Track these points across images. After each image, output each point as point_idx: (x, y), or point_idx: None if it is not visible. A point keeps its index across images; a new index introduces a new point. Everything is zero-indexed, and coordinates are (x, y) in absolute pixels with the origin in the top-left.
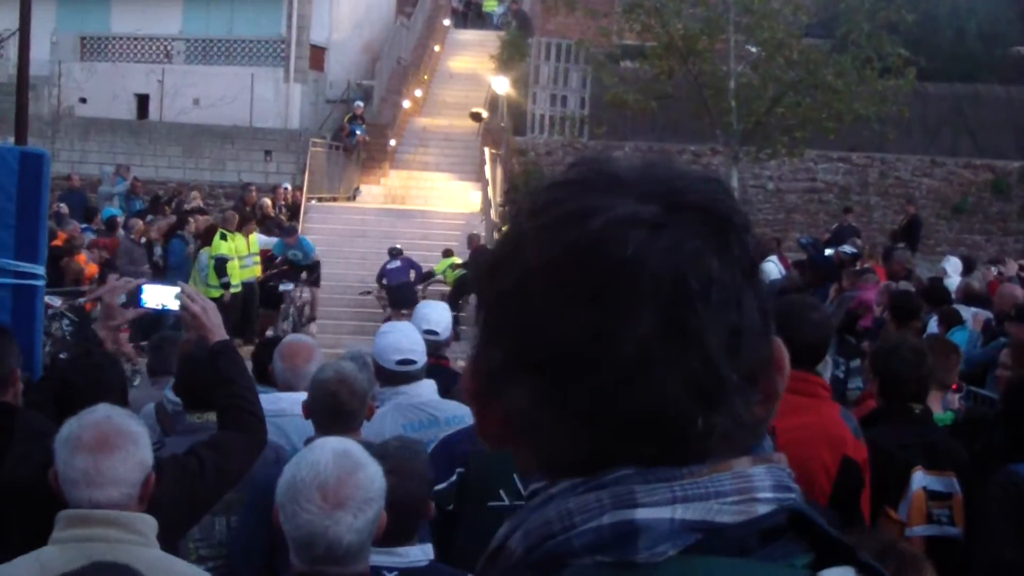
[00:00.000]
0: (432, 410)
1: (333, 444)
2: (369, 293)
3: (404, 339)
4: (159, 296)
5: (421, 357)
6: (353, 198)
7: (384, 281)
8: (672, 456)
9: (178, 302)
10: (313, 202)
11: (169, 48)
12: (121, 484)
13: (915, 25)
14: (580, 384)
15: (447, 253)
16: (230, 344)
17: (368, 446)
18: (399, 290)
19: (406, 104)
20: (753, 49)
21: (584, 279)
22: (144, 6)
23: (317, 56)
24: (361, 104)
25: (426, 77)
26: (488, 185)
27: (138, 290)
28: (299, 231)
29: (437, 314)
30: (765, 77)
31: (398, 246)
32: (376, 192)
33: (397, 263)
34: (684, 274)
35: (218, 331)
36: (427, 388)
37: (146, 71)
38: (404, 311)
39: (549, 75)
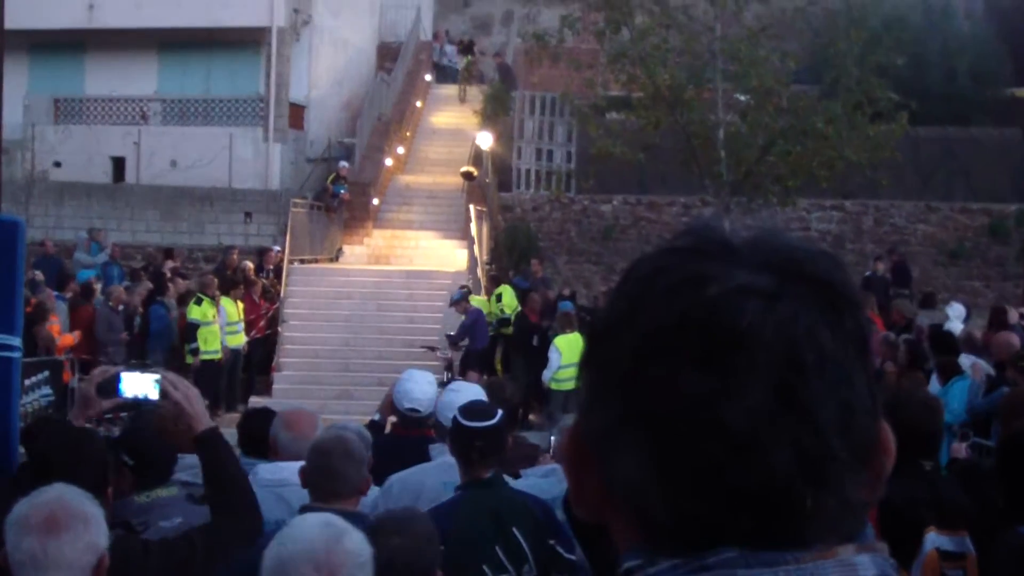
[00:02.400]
0: None
1: (314, 516)
2: (434, 349)
3: (466, 399)
4: (138, 385)
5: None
6: (336, 259)
7: (466, 343)
8: (777, 537)
9: (158, 390)
10: (295, 264)
11: (145, 109)
12: (69, 568)
13: (905, 68)
14: (689, 452)
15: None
16: (216, 432)
17: (364, 517)
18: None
19: (388, 162)
20: (741, 97)
21: (698, 347)
22: (119, 66)
23: (296, 114)
24: (346, 165)
25: (408, 133)
26: (474, 243)
27: (116, 378)
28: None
29: (420, 390)
30: (754, 125)
31: (468, 292)
32: (359, 252)
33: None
34: (798, 347)
35: (203, 419)
36: None
37: (122, 133)
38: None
39: (534, 129)
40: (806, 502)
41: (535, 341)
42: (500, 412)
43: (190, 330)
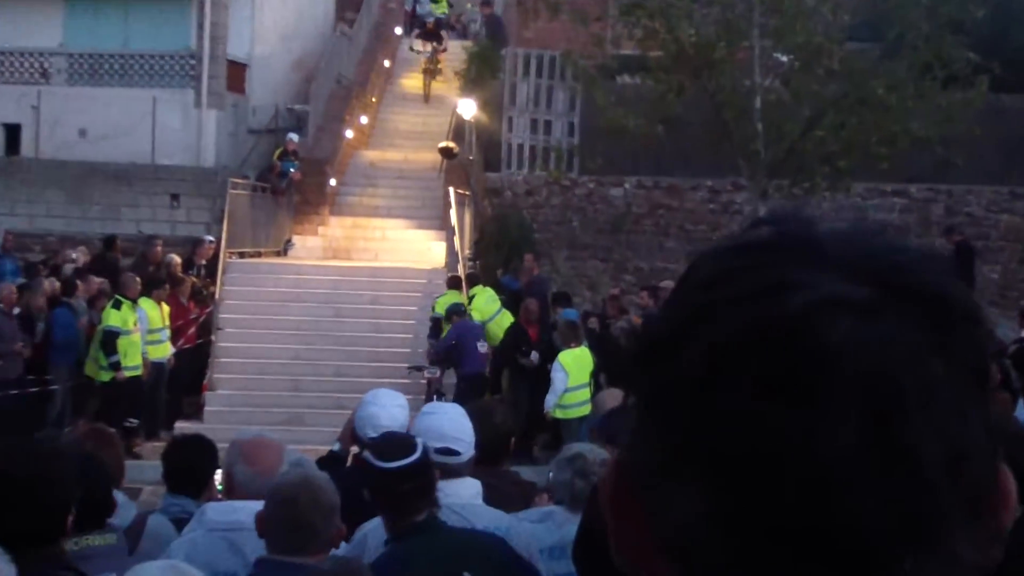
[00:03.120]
0: (467, 515)
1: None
2: (421, 369)
3: (448, 423)
4: None
5: (467, 448)
6: (284, 252)
7: (464, 369)
8: None
9: None
10: (234, 258)
11: (46, 65)
12: None
13: (986, 22)
14: (760, 495)
15: (455, 283)
16: None
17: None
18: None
19: (349, 134)
20: (783, 58)
21: (776, 370)
22: (15, 14)
23: (236, 75)
24: (296, 138)
25: (374, 99)
26: (454, 234)
27: None
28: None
29: (388, 415)
30: (799, 93)
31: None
32: (313, 245)
33: (486, 346)
34: (899, 375)
35: None
36: (468, 488)
37: (17, 95)
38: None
39: (528, 95)
40: (903, 563)
41: (533, 358)
42: (420, 444)
43: (108, 340)
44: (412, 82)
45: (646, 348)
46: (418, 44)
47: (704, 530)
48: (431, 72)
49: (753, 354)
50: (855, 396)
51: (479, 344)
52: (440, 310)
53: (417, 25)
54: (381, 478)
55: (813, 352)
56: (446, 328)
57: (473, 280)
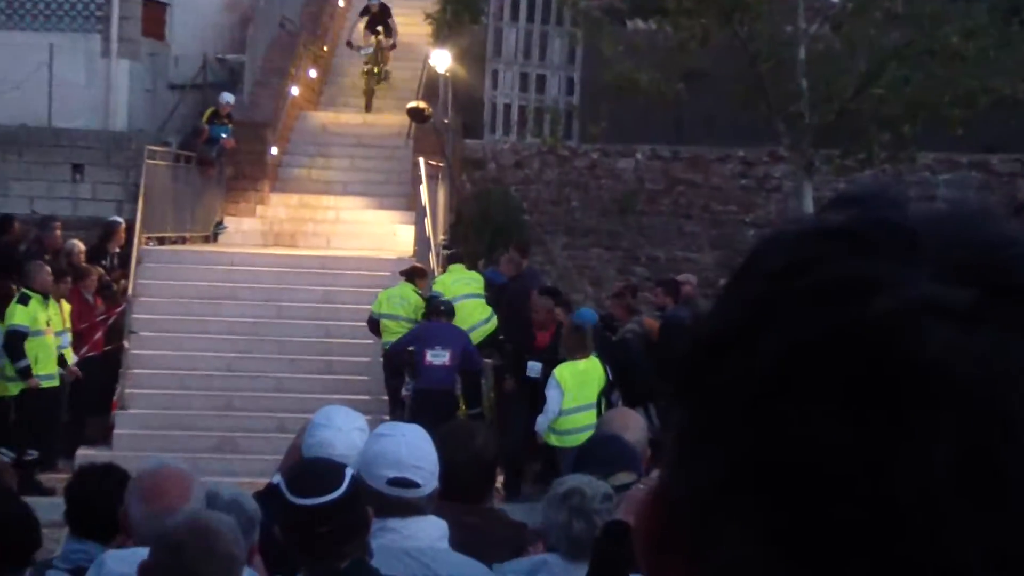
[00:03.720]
0: (430, 562)
1: None
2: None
3: (405, 448)
4: None
5: (428, 479)
6: (214, 238)
7: (410, 386)
8: None
9: None
10: (151, 245)
11: None
12: None
13: None
14: (834, 528)
15: (413, 274)
16: None
17: None
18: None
19: (295, 91)
20: None
21: (855, 383)
22: None
23: (154, 17)
24: (230, 98)
25: (325, 48)
26: (425, 215)
27: None
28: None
29: (345, 440)
30: (852, 41)
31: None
32: (250, 229)
33: (444, 356)
34: (1008, 394)
35: None
36: (432, 529)
37: None
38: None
39: (518, 44)
40: None
41: (536, 372)
42: (348, 476)
43: (13, 342)
44: None
45: (698, 349)
46: (358, 36)
47: (764, 570)
48: (374, 76)
49: (826, 362)
50: (953, 417)
51: (430, 353)
52: (378, 309)
53: (364, 11)
54: (293, 515)
55: (904, 365)
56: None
57: (460, 259)
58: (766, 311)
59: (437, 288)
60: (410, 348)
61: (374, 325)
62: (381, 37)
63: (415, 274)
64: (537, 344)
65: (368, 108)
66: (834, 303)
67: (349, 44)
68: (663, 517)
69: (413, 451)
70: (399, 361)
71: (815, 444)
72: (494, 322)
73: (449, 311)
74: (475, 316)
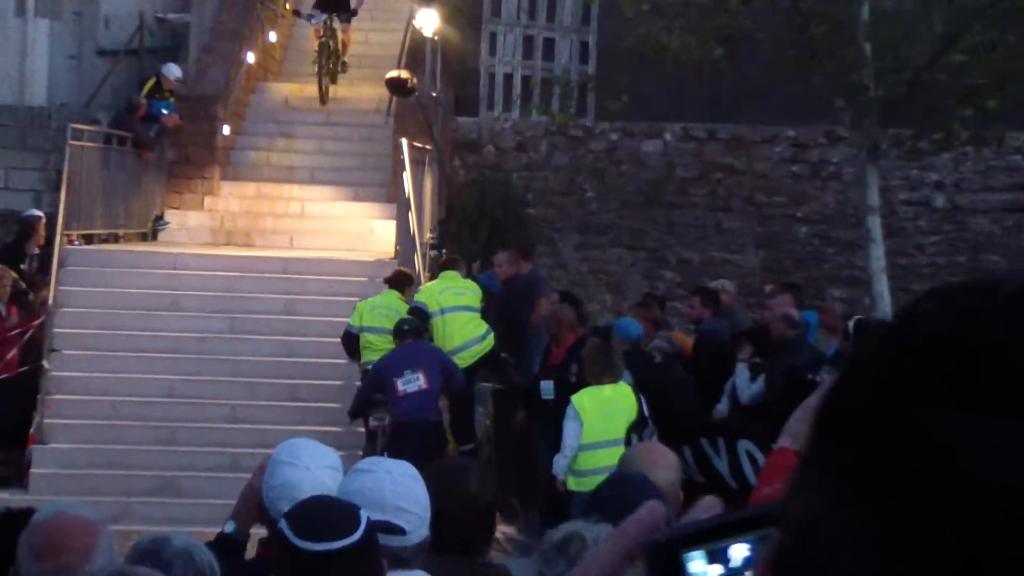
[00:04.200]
0: None
1: None
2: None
3: (390, 486)
4: None
5: (417, 525)
6: (153, 236)
7: (381, 416)
8: None
9: None
10: (76, 244)
11: None
12: None
13: None
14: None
15: (399, 281)
16: None
17: None
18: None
19: (250, 58)
20: None
21: None
22: None
23: None
24: (175, 70)
25: (288, 6)
26: (409, 209)
27: None
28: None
29: (313, 480)
30: None
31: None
32: (197, 225)
33: (418, 379)
34: None
35: None
36: None
37: None
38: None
39: (520, 2)
40: None
41: (549, 393)
42: (364, 518)
43: None
44: None
45: (870, 368)
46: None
47: None
48: (330, 66)
49: None
50: None
51: (401, 381)
52: (358, 322)
53: None
54: (300, 563)
55: None
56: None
57: (455, 265)
58: (984, 323)
59: (421, 298)
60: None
61: (352, 341)
62: (334, 13)
63: (401, 280)
64: (552, 361)
65: (323, 99)
66: None
67: (296, 12)
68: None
69: (399, 491)
70: (365, 406)
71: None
72: (491, 341)
73: (415, 330)
74: (466, 333)
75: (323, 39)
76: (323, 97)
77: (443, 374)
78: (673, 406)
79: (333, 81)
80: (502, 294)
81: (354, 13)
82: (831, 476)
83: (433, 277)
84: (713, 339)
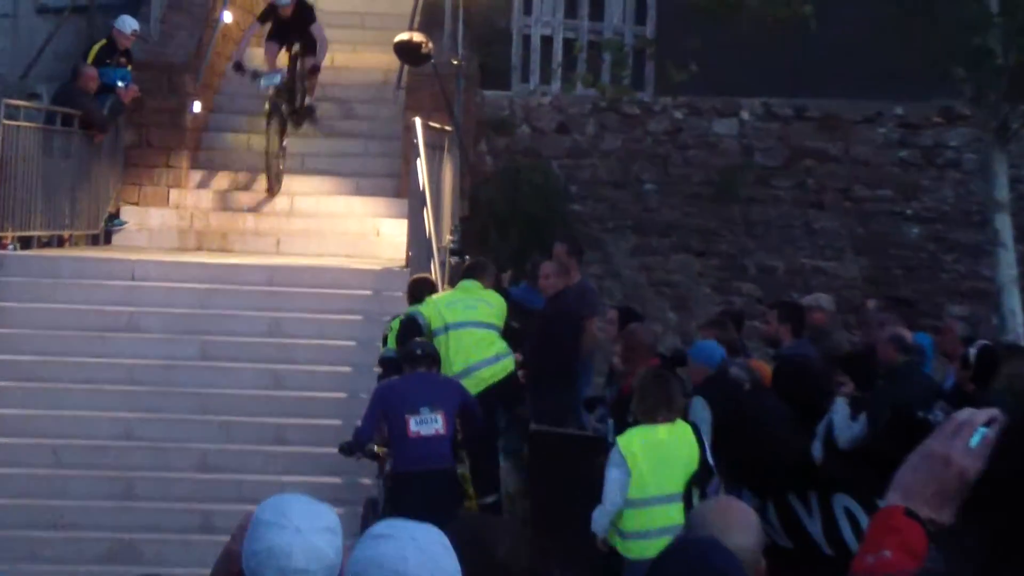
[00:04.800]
0: None
1: None
2: (376, 456)
3: (413, 557)
4: None
5: None
6: (106, 239)
7: (394, 463)
8: None
9: None
10: (11, 248)
11: None
12: None
13: None
14: None
15: (426, 291)
16: None
17: None
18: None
19: (227, 17)
20: None
21: None
22: None
23: None
24: (133, 26)
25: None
26: (424, 205)
27: None
28: None
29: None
30: None
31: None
32: (160, 224)
33: (436, 421)
34: None
35: None
36: None
37: None
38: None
39: None
40: None
41: (595, 422)
42: None
43: None
44: None
45: None
46: (252, 57)
47: None
48: (283, 120)
49: None
50: None
51: (415, 420)
52: (394, 344)
53: (267, 14)
54: None
55: None
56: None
57: (476, 272)
58: None
59: (424, 311)
60: (379, 410)
61: (393, 370)
62: (296, 53)
63: (426, 289)
64: (625, 392)
65: (271, 189)
66: None
67: (238, 67)
68: None
69: (426, 563)
70: (356, 448)
71: None
72: (507, 365)
73: (431, 356)
74: (477, 353)
75: (277, 101)
76: (272, 185)
77: (463, 415)
78: (767, 448)
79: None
80: (545, 312)
81: (316, 70)
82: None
83: (469, 272)
84: (799, 368)
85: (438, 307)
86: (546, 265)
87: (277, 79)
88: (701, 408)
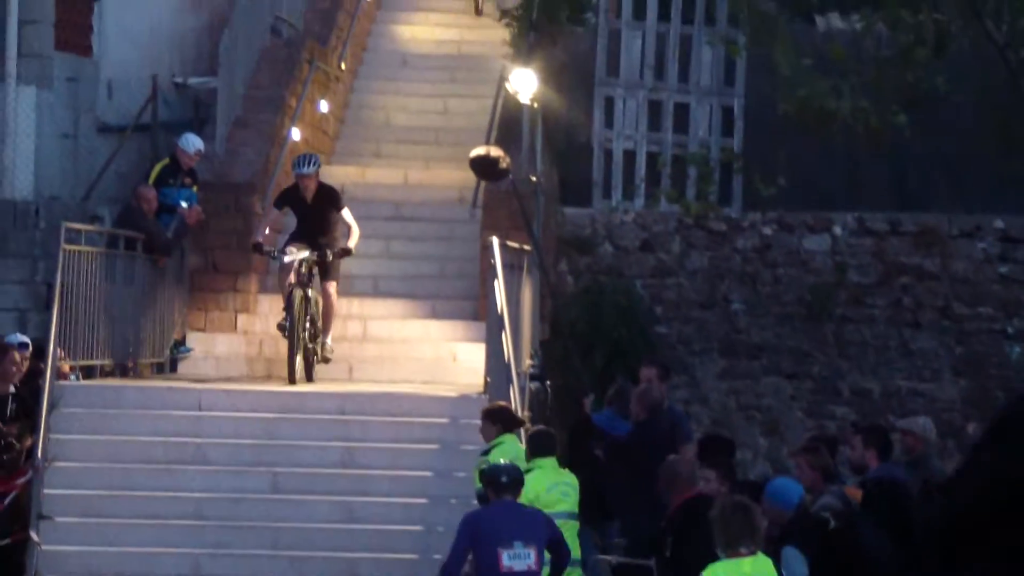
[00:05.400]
0: None
1: None
2: None
3: None
4: None
5: None
6: (172, 367)
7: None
8: None
9: None
10: (73, 379)
11: None
12: None
13: None
14: None
15: (511, 421)
16: None
17: None
18: None
19: (295, 134)
20: None
21: None
22: None
23: (76, 21)
24: (197, 145)
25: (343, 66)
26: (502, 328)
27: None
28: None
29: None
30: None
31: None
32: (228, 352)
33: (529, 557)
34: None
35: None
36: None
37: None
38: None
39: (644, 57)
40: None
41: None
42: None
43: None
44: (420, 31)
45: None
46: (274, 239)
47: None
48: (306, 333)
49: None
50: None
51: (508, 555)
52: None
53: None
54: None
55: None
56: None
57: (551, 447)
58: None
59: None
60: (464, 546)
61: None
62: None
63: (510, 419)
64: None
65: (293, 377)
66: None
67: (257, 247)
68: None
69: None
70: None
71: None
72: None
73: (516, 481)
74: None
75: (292, 287)
76: (292, 375)
77: (553, 548)
78: None
79: (312, 355)
80: (634, 441)
81: (347, 252)
82: None
83: (534, 420)
84: (885, 488)
85: (539, 492)
86: (646, 371)
87: (294, 257)
88: (794, 559)
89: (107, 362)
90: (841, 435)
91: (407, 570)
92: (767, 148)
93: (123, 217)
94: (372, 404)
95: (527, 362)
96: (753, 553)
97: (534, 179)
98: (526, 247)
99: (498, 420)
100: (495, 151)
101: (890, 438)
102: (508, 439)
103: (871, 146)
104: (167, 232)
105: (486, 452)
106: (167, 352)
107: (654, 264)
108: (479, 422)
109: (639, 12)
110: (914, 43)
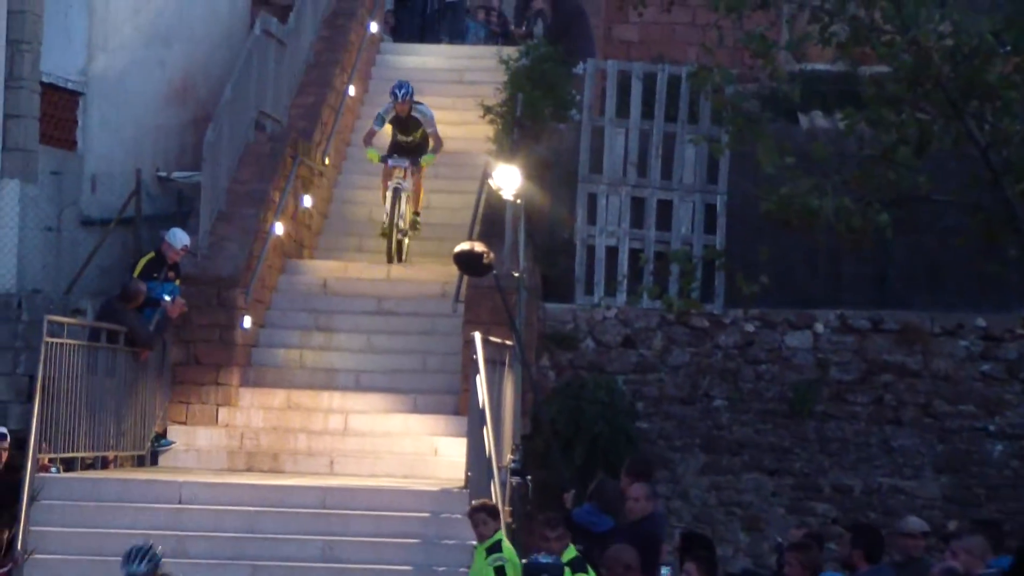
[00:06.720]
0: None
1: None
2: None
3: None
4: None
5: None
6: (153, 460)
7: None
8: None
9: None
10: (53, 470)
11: None
12: None
13: None
14: None
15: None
16: None
17: None
18: None
19: (278, 229)
20: None
21: None
22: None
23: (60, 112)
24: (183, 240)
25: (327, 161)
26: (483, 423)
27: None
28: None
29: None
30: None
31: None
32: (209, 445)
33: None
34: None
35: None
36: None
37: None
38: None
39: (627, 154)
40: None
41: None
42: None
43: None
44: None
45: None
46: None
47: None
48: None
49: None
50: None
51: None
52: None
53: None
54: None
55: None
56: None
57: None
58: None
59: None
60: None
61: None
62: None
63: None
64: None
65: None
66: None
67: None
68: None
69: None
70: None
71: None
72: None
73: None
74: None
75: (395, 183)
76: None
77: None
78: None
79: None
80: (627, 535)
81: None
82: None
83: (515, 515)
84: None
85: None
86: (636, 488)
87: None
88: None
89: (88, 454)
90: (825, 532)
91: None
92: (750, 245)
93: (105, 310)
94: (353, 498)
95: (508, 456)
96: None
97: (517, 274)
98: (508, 342)
99: (496, 515)
100: (479, 246)
101: (881, 539)
102: (499, 534)
103: (853, 244)
104: (149, 325)
105: (492, 548)
106: (148, 445)
107: (636, 360)
108: (461, 517)
109: (622, 110)
110: (897, 142)
